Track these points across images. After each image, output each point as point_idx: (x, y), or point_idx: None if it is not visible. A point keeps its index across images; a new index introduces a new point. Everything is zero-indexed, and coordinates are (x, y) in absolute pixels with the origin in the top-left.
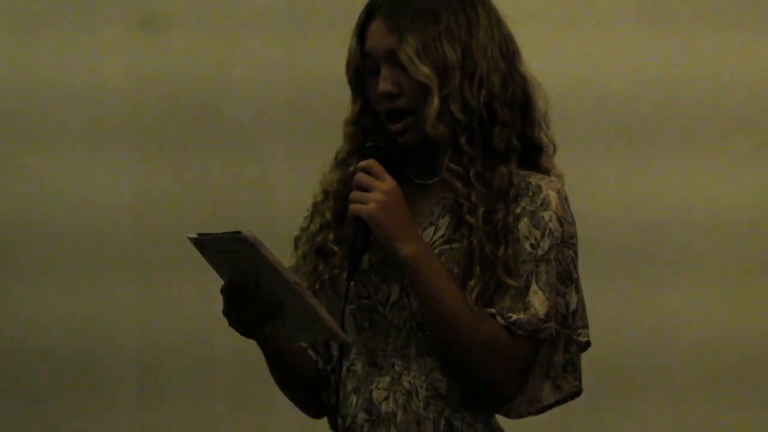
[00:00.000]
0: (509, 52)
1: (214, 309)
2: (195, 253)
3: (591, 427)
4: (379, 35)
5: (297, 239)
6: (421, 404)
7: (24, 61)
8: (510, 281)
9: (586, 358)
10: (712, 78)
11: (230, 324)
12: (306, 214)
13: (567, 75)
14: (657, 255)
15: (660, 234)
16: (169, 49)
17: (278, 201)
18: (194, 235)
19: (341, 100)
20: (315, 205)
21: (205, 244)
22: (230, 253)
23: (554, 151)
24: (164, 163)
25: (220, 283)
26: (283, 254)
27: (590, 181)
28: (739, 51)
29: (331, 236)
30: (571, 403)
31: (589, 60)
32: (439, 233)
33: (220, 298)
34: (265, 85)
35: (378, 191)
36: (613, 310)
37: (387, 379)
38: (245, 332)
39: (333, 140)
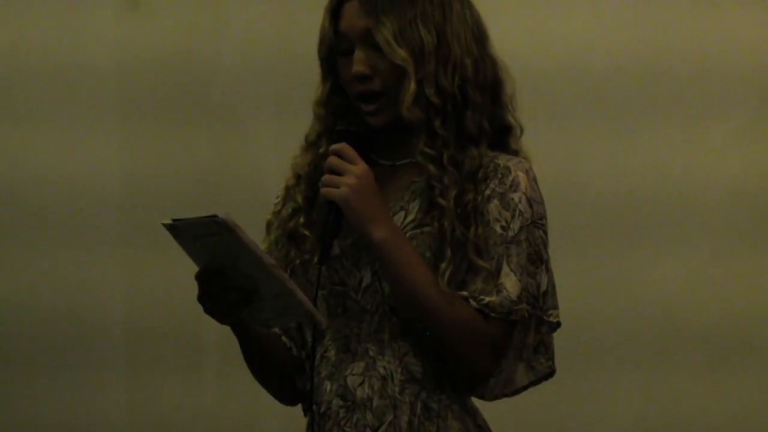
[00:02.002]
0: (481, 35)
1: None
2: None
3: (566, 396)
4: (354, 16)
5: (269, 224)
6: (397, 388)
7: (9, 37)
8: (481, 262)
9: (564, 329)
10: (700, 54)
11: (206, 311)
12: (277, 200)
13: (553, 49)
14: (639, 229)
15: (643, 208)
16: (156, 25)
17: (265, 181)
18: (169, 221)
19: None
20: (287, 189)
21: (181, 229)
22: (206, 238)
23: (521, 133)
24: (151, 141)
25: None
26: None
27: (575, 155)
28: (726, 27)
29: (302, 221)
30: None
31: (576, 34)
32: (410, 218)
33: None
34: (254, 63)
35: (350, 175)
36: (595, 283)
37: (361, 364)
38: (221, 318)
39: None
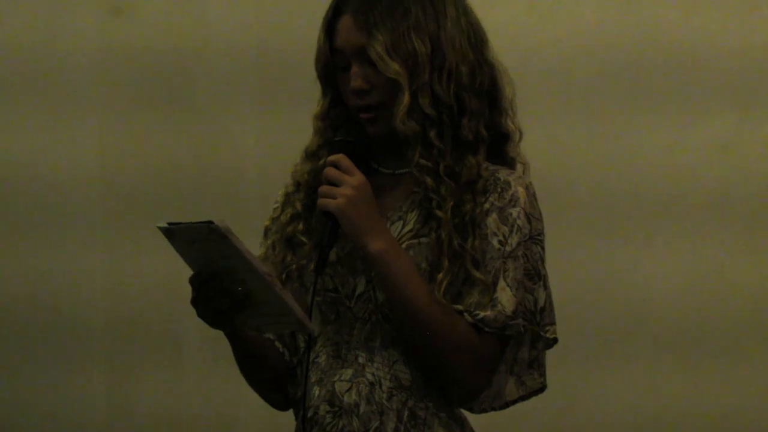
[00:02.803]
0: (477, 40)
1: (182, 273)
2: (163, 217)
3: (565, 383)
4: (348, 32)
5: (267, 229)
6: (385, 395)
7: None
8: (478, 274)
9: (563, 314)
10: (686, 52)
11: (199, 314)
12: (276, 205)
13: (544, 40)
14: (631, 216)
15: (634, 197)
16: (139, 17)
17: (246, 174)
18: (164, 225)
19: (313, 72)
20: (286, 195)
21: (175, 233)
22: (200, 243)
23: (520, 138)
24: (132, 134)
25: None
26: (251, 223)
27: (568, 145)
28: (714, 25)
29: (300, 227)
30: (549, 361)
31: (562, 32)
32: (407, 228)
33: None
34: (236, 57)
35: (347, 186)
36: (586, 269)
37: (350, 371)
38: (214, 323)
39: (304, 113)
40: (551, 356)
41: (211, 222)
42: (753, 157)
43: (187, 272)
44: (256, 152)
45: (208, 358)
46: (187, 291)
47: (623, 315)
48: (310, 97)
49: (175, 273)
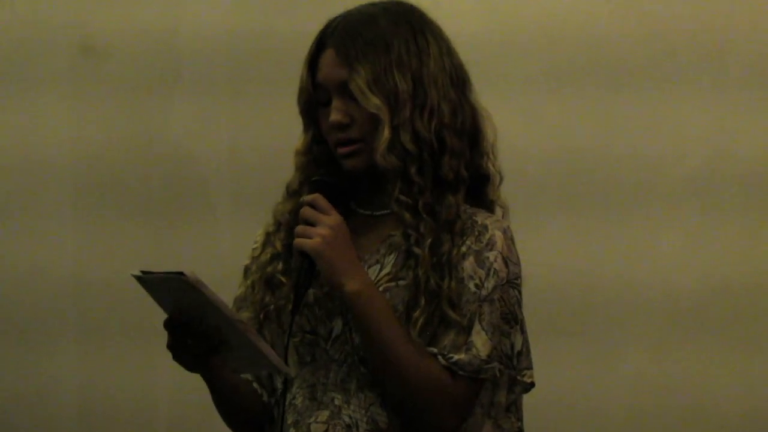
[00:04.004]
0: (459, 81)
1: (152, 257)
2: (133, 200)
3: (562, 367)
4: (330, 66)
5: (246, 268)
6: None
7: None
8: (454, 315)
9: (564, 298)
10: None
11: (174, 358)
12: (255, 245)
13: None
14: (624, 198)
15: (629, 178)
16: (114, 12)
17: (219, 157)
18: (138, 273)
19: (283, 71)
20: (267, 234)
21: (149, 282)
22: (173, 292)
23: (501, 182)
24: (102, 113)
25: (161, 230)
26: (218, 210)
27: (569, 123)
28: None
29: (280, 267)
30: (545, 346)
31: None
32: (385, 271)
33: (160, 243)
34: (208, 43)
35: (323, 226)
36: (585, 252)
37: (326, 413)
38: (190, 366)
39: (276, 108)
40: (538, 346)
41: (181, 273)
42: (736, 140)
43: (160, 257)
44: (226, 139)
45: None
46: (159, 266)
47: (605, 301)
48: (281, 91)
49: (144, 257)
